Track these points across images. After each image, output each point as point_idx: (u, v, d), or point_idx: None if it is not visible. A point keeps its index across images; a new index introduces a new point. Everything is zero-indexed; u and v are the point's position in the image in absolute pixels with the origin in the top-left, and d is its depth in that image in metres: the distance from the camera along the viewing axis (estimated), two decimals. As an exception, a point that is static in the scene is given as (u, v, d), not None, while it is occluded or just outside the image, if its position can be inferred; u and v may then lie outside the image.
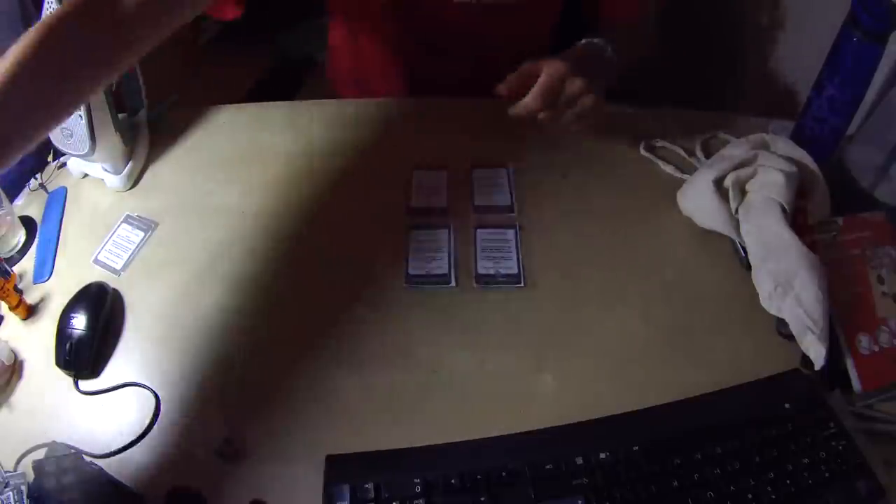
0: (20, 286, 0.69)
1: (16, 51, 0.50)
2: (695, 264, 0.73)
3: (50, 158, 0.83)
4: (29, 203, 0.79)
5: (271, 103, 0.91)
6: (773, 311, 0.65)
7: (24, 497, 0.54)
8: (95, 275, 0.71)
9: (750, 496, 0.54)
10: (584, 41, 0.79)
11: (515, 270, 0.71)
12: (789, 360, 0.64)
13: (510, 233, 0.75)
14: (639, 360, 0.65)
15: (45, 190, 0.79)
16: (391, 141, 0.85)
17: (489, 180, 0.81)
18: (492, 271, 0.71)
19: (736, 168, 0.72)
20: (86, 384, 0.63)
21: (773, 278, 0.65)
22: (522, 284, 0.70)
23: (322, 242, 0.74)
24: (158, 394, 0.62)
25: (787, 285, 0.63)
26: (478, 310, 0.69)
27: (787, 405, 0.59)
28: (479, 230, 0.75)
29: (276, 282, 0.71)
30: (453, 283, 0.70)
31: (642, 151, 0.84)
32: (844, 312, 0.64)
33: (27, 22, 1.02)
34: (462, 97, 0.88)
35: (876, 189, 0.76)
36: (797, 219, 0.69)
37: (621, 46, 0.79)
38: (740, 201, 0.71)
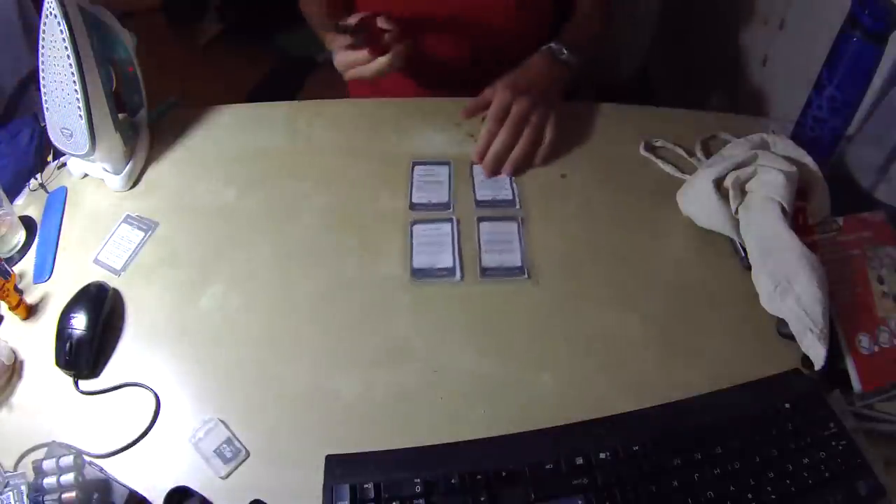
0: (20, 286, 0.69)
1: None
2: (695, 264, 0.73)
3: (50, 158, 0.83)
4: (29, 203, 0.79)
5: (271, 103, 0.91)
6: (773, 311, 0.65)
7: (24, 497, 0.54)
8: (95, 275, 0.71)
9: (750, 496, 0.54)
10: (542, 48, 0.87)
11: (519, 263, 0.71)
12: (789, 360, 0.64)
13: (513, 225, 0.75)
14: (639, 359, 0.65)
15: (45, 190, 0.79)
16: (391, 141, 0.85)
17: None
18: (495, 264, 0.71)
19: (736, 168, 0.72)
20: (86, 384, 0.63)
21: (773, 278, 0.65)
22: (527, 276, 0.71)
23: (322, 242, 0.74)
24: (158, 394, 0.62)
25: (787, 285, 0.63)
26: (479, 308, 0.69)
27: (787, 405, 0.59)
28: (482, 223, 0.75)
29: (276, 282, 0.71)
30: (458, 277, 0.71)
31: (642, 151, 0.84)
32: (844, 312, 0.64)
33: (26, 26, 1.02)
34: (463, 94, 0.88)
35: (876, 189, 0.76)
36: (797, 219, 0.69)
37: (582, 36, 0.90)
38: (740, 201, 0.71)
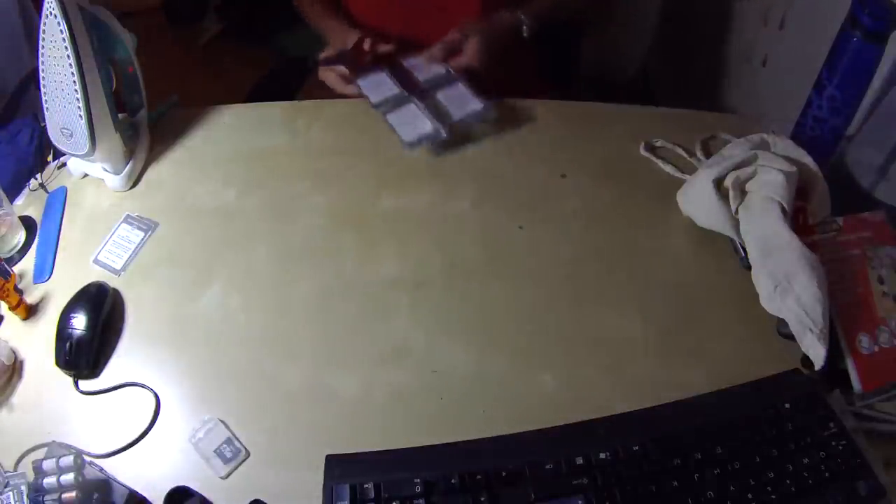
0: (20, 286, 0.69)
1: None
2: (695, 264, 0.73)
3: (50, 158, 0.83)
4: (29, 203, 0.79)
5: (271, 103, 0.91)
6: (773, 311, 0.65)
7: (24, 497, 0.54)
8: (95, 275, 0.71)
9: (750, 496, 0.54)
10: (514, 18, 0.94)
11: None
12: (789, 360, 0.64)
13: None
14: (639, 360, 0.65)
15: (45, 190, 0.79)
16: (390, 141, 0.85)
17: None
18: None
19: (736, 168, 0.72)
20: (86, 384, 0.63)
21: (773, 278, 0.65)
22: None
23: (321, 242, 0.74)
24: (158, 394, 0.62)
25: (787, 285, 0.63)
26: (479, 307, 0.69)
27: (787, 405, 0.59)
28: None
29: (276, 282, 0.71)
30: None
31: (642, 151, 0.84)
32: (844, 312, 0.64)
33: (27, 26, 1.02)
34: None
35: (876, 189, 0.76)
36: (797, 219, 0.69)
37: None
38: (740, 201, 0.71)
